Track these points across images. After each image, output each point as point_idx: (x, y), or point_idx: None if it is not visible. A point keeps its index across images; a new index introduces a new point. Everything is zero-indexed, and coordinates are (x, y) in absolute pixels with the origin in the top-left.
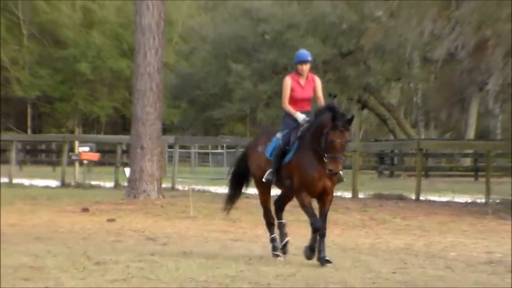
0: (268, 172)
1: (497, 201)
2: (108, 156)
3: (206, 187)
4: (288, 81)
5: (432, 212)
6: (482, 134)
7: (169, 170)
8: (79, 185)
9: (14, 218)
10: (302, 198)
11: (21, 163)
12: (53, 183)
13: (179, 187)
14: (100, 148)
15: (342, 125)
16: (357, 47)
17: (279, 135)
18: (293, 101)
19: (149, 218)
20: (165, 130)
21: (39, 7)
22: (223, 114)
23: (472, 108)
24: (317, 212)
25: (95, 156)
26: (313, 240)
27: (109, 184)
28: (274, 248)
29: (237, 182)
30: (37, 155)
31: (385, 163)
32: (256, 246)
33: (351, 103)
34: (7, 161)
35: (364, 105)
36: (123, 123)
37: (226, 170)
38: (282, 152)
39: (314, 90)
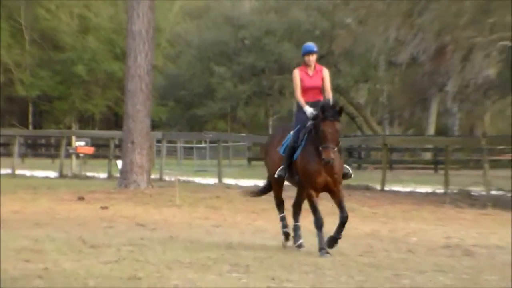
0: (280, 168)
1: (455, 191)
2: (102, 150)
3: (190, 178)
4: (296, 73)
5: (396, 201)
6: (441, 131)
7: (157, 162)
8: (75, 176)
9: (16, 205)
10: (308, 193)
11: (23, 156)
12: (52, 174)
13: (166, 178)
14: (95, 143)
15: (331, 115)
16: (328, 51)
17: (292, 132)
18: (304, 90)
19: (139, 206)
20: (154, 126)
21: (40, 15)
22: (206, 112)
23: (432, 107)
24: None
25: (90, 150)
26: (321, 239)
27: (103, 175)
28: (283, 226)
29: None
30: (38, 149)
31: (353, 156)
32: (235, 231)
33: None
34: (10, 154)
35: None
36: (115, 120)
37: (209, 163)
38: (292, 149)
39: (323, 80)
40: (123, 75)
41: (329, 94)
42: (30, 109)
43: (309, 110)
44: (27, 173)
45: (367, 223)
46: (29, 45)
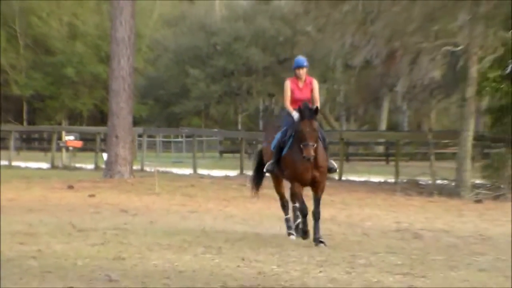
0: (269, 163)
1: (404, 181)
2: (89, 144)
3: (168, 169)
4: (287, 84)
5: (352, 189)
6: (392, 127)
7: (139, 155)
8: (65, 167)
9: (12, 193)
10: (293, 187)
11: (18, 149)
12: (45, 165)
13: (147, 168)
14: (83, 137)
15: (308, 115)
16: (291, 55)
17: (280, 132)
18: (294, 101)
19: (122, 194)
20: (135, 122)
21: (32, 22)
22: (182, 110)
23: (384, 105)
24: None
25: (79, 144)
26: (304, 224)
27: (90, 166)
28: (289, 228)
29: (258, 169)
30: (31, 143)
31: None
32: (208, 217)
33: None
34: (7, 148)
35: None
36: (101, 117)
37: (185, 155)
38: (280, 147)
39: (312, 91)
40: (107, 77)
41: (317, 103)
42: (25, 107)
43: (296, 114)
44: (22, 164)
45: (326, 210)
46: (23, 49)
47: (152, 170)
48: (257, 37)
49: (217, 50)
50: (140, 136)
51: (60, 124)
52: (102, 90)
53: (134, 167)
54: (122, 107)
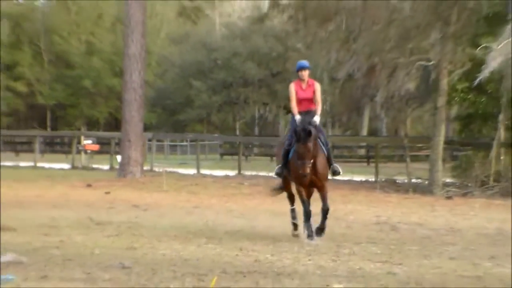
0: (277, 167)
1: (383, 179)
2: (105, 147)
3: (175, 169)
4: (292, 87)
5: (337, 187)
6: (372, 132)
7: (149, 157)
8: (84, 168)
9: (37, 191)
10: (297, 189)
11: (42, 152)
12: (66, 166)
13: (156, 169)
14: (99, 141)
15: (303, 140)
16: (283, 69)
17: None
18: (298, 101)
19: (135, 191)
20: (146, 128)
21: (55, 40)
22: (186, 117)
23: (365, 113)
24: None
25: (96, 147)
26: (308, 228)
27: (106, 167)
28: (293, 218)
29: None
30: (54, 146)
31: None
32: (210, 211)
33: (279, 109)
34: (32, 151)
35: (288, 111)
36: (115, 124)
37: (189, 157)
38: (286, 151)
39: (314, 92)
40: (121, 88)
41: (319, 105)
42: (48, 115)
43: (298, 118)
44: (46, 165)
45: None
46: (47, 64)
47: (161, 170)
48: (252, 53)
49: (217, 65)
50: (150, 140)
51: (79, 129)
52: (116, 100)
53: (145, 168)
54: (133, 115)
